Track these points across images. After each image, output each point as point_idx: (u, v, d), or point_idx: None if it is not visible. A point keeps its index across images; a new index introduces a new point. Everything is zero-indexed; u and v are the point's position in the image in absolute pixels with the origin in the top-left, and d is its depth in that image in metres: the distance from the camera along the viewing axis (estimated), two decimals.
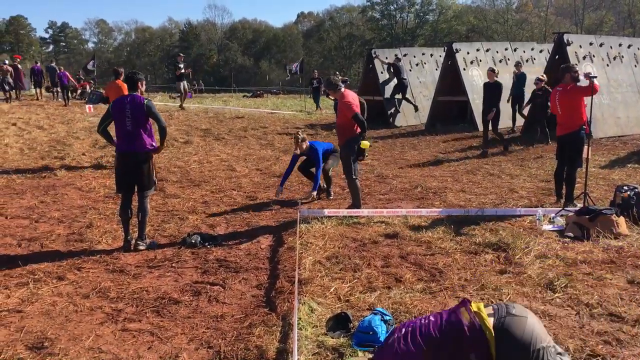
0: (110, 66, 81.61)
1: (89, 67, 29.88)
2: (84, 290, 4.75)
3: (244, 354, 3.57)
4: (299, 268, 4.96)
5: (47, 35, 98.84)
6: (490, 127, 11.94)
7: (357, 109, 7.04)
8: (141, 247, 5.92)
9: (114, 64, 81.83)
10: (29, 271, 5.19)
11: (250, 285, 4.89)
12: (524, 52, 17.86)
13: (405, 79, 17.43)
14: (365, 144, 7.13)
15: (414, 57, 19.46)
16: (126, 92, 11.66)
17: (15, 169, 10.67)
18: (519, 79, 14.53)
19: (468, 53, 16.63)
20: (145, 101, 5.89)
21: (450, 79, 16.47)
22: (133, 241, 6.00)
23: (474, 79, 15.99)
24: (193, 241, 6.08)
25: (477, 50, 17.05)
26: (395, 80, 17.57)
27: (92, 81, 28.26)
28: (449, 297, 4.48)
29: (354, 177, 7.24)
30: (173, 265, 5.43)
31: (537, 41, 34.71)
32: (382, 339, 3.57)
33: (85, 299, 4.55)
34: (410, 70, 18.74)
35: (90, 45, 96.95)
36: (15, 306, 4.37)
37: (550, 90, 11.10)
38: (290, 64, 31.19)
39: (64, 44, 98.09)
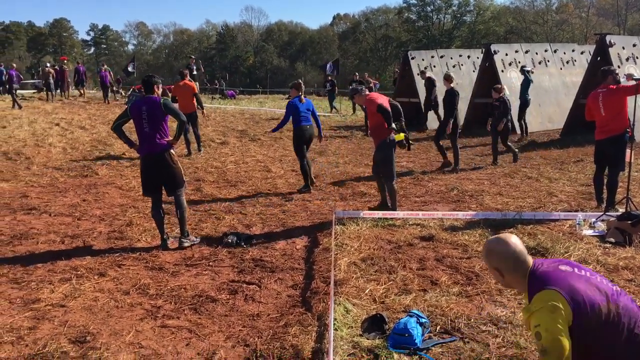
0: (149, 68, 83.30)
1: (129, 68, 30.54)
2: (124, 287, 4.86)
3: (280, 353, 3.61)
4: (334, 269, 4.98)
5: (88, 38, 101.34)
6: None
7: (383, 102, 7.12)
8: (185, 244, 6.03)
9: (152, 66, 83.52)
10: (72, 267, 5.35)
11: (285, 285, 4.93)
12: (564, 53, 17.52)
13: (433, 98, 17.11)
14: (399, 135, 7.18)
15: (451, 58, 19.27)
16: (195, 90, 12.60)
17: (58, 167, 10.98)
18: (523, 85, 14.04)
19: (506, 54, 16.39)
20: (162, 100, 5.98)
21: (488, 80, 16.26)
22: (169, 239, 6.12)
23: (512, 81, 15.75)
24: (230, 240, 6.16)
25: (516, 51, 16.79)
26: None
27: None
28: (485, 301, 4.43)
29: (393, 181, 7.27)
30: (210, 264, 5.52)
31: (577, 42, 33.98)
32: (417, 341, 3.57)
33: (125, 295, 4.66)
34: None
35: (130, 47, 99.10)
36: (59, 301, 4.51)
37: (506, 102, 10.74)
38: (326, 64, 31.10)
39: (104, 46, 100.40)
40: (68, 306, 4.40)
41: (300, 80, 9.63)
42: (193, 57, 23.74)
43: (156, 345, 3.75)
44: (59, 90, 25.76)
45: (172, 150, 6.07)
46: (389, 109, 7.14)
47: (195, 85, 13.20)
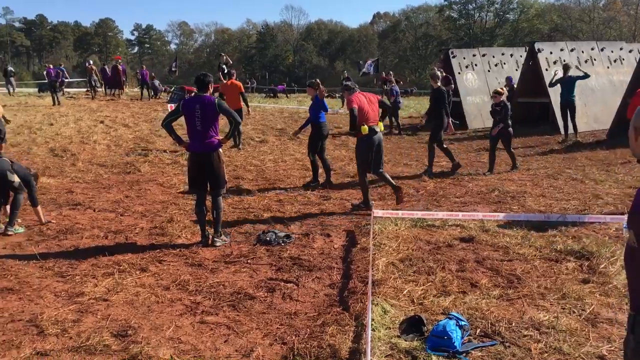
0: (190, 67, 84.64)
1: (173, 68, 31.10)
2: (164, 282, 4.94)
3: (317, 352, 3.60)
4: (372, 269, 4.95)
5: (132, 37, 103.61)
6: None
7: (355, 105, 7.42)
8: (218, 244, 6.09)
9: (194, 65, 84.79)
10: (114, 262, 5.46)
11: (323, 284, 4.93)
12: (612, 52, 17.03)
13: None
14: (364, 128, 7.48)
15: (493, 57, 18.97)
16: (242, 89, 13.08)
17: (102, 164, 11.25)
18: (567, 84, 13.38)
19: (551, 53, 16.03)
20: (216, 100, 6.05)
21: (531, 79, 15.94)
22: (210, 237, 6.20)
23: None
24: (268, 238, 6.19)
25: (561, 50, 16.40)
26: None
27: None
28: (527, 304, 4.34)
29: (361, 176, 7.78)
30: (248, 261, 5.56)
31: (625, 40, 32.97)
32: (457, 344, 3.51)
33: (166, 291, 4.73)
34: (489, 71, 18.29)
35: (173, 46, 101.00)
36: (102, 295, 4.61)
37: (507, 106, 10.01)
38: (363, 62, 30.94)
39: (148, 45, 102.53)
40: (111, 300, 4.50)
41: (318, 80, 9.96)
42: (223, 54, 24.06)
43: (195, 341, 3.79)
44: (108, 88, 26.56)
45: (220, 149, 6.15)
46: (364, 110, 7.46)
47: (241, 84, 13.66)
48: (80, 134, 14.81)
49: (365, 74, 30.11)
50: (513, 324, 3.95)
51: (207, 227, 6.25)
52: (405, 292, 4.60)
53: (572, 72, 13.36)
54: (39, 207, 6.88)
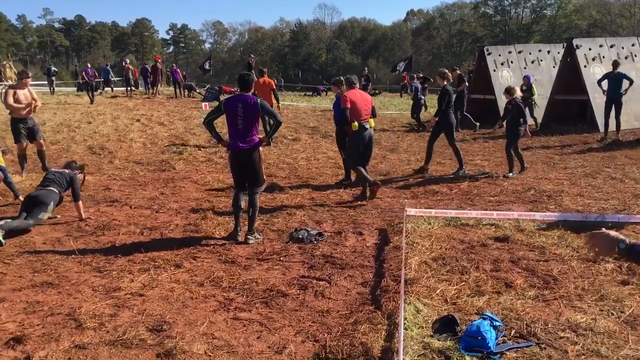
0: (224, 66, 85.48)
1: (206, 66, 31.47)
2: (198, 279, 5.00)
3: (349, 350, 3.60)
4: (404, 267, 4.92)
5: (168, 37, 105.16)
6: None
7: (348, 105, 7.85)
8: (251, 241, 6.14)
9: (228, 64, 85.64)
10: (150, 258, 5.56)
11: (355, 282, 4.92)
12: None
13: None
14: (354, 125, 7.91)
15: (530, 54, 18.62)
16: (274, 86, 13.36)
17: (138, 162, 11.45)
18: (615, 79, 13.03)
19: (590, 49, 15.66)
20: (258, 99, 6.11)
21: (569, 76, 15.59)
22: (241, 233, 6.25)
23: (596, 77, 15.01)
24: (300, 236, 6.21)
25: (600, 46, 16.00)
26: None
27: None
28: (564, 306, 4.25)
29: (351, 165, 8.35)
30: (281, 259, 5.59)
31: None
32: (491, 345, 3.47)
33: (200, 287, 4.79)
34: (525, 68, 17.97)
35: (207, 45, 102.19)
36: (137, 290, 4.69)
37: (520, 105, 9.55)
38: (399, 61, 30.87)
39: (183, 44, 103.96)
40: (146, 295, 4.58)
41: (342, 78, 9.80)
42: (252, 55, 24.43)
43: (228, 337, 3.83)
44: (150, 87, 27.18)
45: (260, 148, 6.20)
46: (357, 107, 7.88)
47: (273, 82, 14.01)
48: (117, 132, 15.10)
49: (400, 73, 30.02)
50: (549, 326, 3.88)
51: (240, 224, 6.32)
52: (438, 291, 4.56)
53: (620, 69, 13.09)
54: (80, 203, 7.05)
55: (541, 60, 18.61)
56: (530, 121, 12.70)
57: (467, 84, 16.95)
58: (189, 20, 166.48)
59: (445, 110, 9.81)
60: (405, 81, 31.78)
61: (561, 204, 7.62)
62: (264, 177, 6.43)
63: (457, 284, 4.73)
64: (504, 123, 10.00)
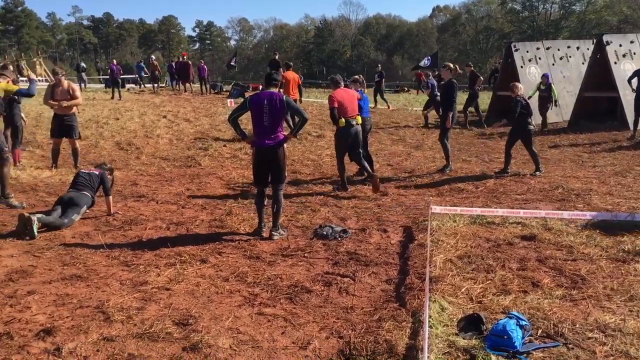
0: (249, 62, 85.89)
1: (232, 63, 31.67)
2: (224, 274, 5.04)
3: (374, 347, 3.60)
4: (429, 265, 4.89)
5: (194, 34, 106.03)
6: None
7: (335, 105, 8.22)
8: (275, 237, 6.17)
9: (253, 61, 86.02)
10: (176, 253, 5.62)
11: (379, 280, 4.91)
12: None
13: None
14: (341, 121, 8.28)
15: (558, 50, 18.34)
16: (299, 82, 13.54)
17: (165, 158, 11.58)
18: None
19: (620, 45, 15.36)
20: (284, 97, 6.12)
21: (599, 73, 15.32)
22: (266, 229, 6.28)
23: (627, 74, 14.72)
24: (324, 233, 6.22)
25: (631, 42, 15.68)
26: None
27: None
28: (592, 306, 4.18)
29: (338, 162, 8.78)
30: (305, 255, 5.60)
31: None
32: (517, 344, 3.43)
33: (225, 282, 4.83)
34: (553, 65, 17.71)
35: (232, 42, 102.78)
36: (164, 284, 4.75)
37: (524, 101, 9.37)
38: (424, 58, 30.73)
39: (208, 41, 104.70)
40: (172, 290, 4.63)
41: (360, 76, 10.40)
42: (276, 53, 24.62)
43: (253, 332, 3.86)
44: (179, 83, 27.56)
45: (285, 145, 6.23)
46: (344, 105, 8.28)
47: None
48: (144, 128, 15.28)
49: (418, 67, 29.88)
50: (577, 326, 3.83)
51: (264, 220, 6.35)
52: (463, 289, 4.53)
53: None
54: (110, 198, 7.17)
55: (570, 57, 18.32)
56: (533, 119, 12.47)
57: (481, 78, 16.81)
58: (215, 17, 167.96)
59: (450, 104, 9.67)
60: (422, 78, 31.60)
61: (590, 202, 7.50)
62: (286, 173, 6.44)
63: (482, 283, 4.69)
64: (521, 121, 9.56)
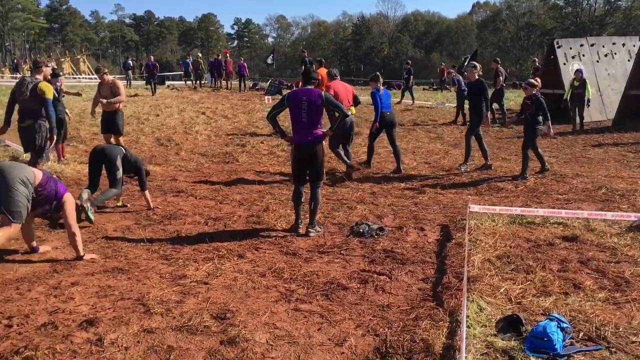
0: (287, 59, 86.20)
1: (269, 60, 31.91)
2: (260, 269, 5.08)
3: (410, 346, 3.58)
4: (467, 265, 4.83)
5: (232, 31, 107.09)
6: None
7: (332, 92, 8.79)
8: (312, 234, 6.18)
9: (290, 58, 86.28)
10: (214, 248, 5.69)
11: (416, 278, 4.88)
12: None
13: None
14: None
15: (603, 47, 17.85)
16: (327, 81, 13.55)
17: (203, 154, 11.74)
18: None
19: None
20: (322, 93, 6.12)
21: None
22: (302, 226, 6.31)
23: None
24: (361, 230, 6.21)
25: None
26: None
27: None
28: (636, 309, 4.07)
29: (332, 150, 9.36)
30: (341, 252, 5.60)
31: None
32: (558, 347, 3.36)
33: (262, 277, 4.87)
34: (597, 62, 17.25)
35: (270, 39, 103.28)
36: (202, 278, 4.82)
37: (540, 100, 8.84)
38: (464, 55, 30.33)
39: (247, 39, 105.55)
40: (210, 284, 4.69)
41: (378, 73, 10.53)
42: (305, 50, 24.71)
43: (289, 327, 3.88)
44: (210, 80, 28.05)
45: (323, 142, 6.23)
46: (339, 97, 8.96)
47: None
48: (184, 124, 15.51)
49: (462, 67, 29.53)
50: (620, 329, 3.73)
51: (301, 217, 6.38)
52: (502, 290, 4.46)
53: None
54: (146, 192, 7.29)
55: (615, 54, 17.81)
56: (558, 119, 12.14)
57: (501, 78, 16.45)
58: (253, 15, 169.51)
59: (479, 103, 9.56)
60: (445, 75, 31.28)
61: (635, 203, 7.28)
62: (324, 171, 6.45)
63: (522, 283, 4.61)
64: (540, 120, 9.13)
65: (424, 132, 15.10)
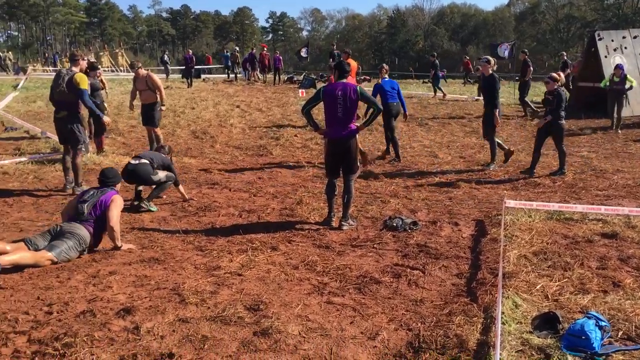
0: (320, 53, 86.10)
1: (302, 54, 31.93)
2: (293, 262, 5.11)
3: (443, 341, 3.54)
4: (502, 260, 4.76)
5: (267, 25, 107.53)
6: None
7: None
8: (345, 227, 6.18)
9: (324, 51, 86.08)
10: (248, 239, 5.74)
11: (450, 273, 4.83)
12: None
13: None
14: None
15: None
16: (357, 70, 13.51)
17: (237, 146, 11.83)
18: None
19: None
20: (358, 87, 6.09)
21: None
22: (335, 219, 6.30)
23: None
24: (394, 224, 6.18)
25: None
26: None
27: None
28: None
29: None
30: (375, 246, 5.58)
31: None
32: (596, 345, 3.29)
33: (294, 270, 4.89)
34: None
35: (304, 33, 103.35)
36: (236, 270, 4.86)
37: (561, 95, 8.48)
38: (501, 46, 29.75)
39: (281, 32, 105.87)
40: (244, 275, 4.73)
41: (384, 64, 10.98)
42: (334, 44, 24.72)
43: (322, 320, 3.88)
44: (244, 74, 28.34)
45: (357, 136, 6.21)
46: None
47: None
48: (219, 117, 15.66)
49: (500, 58, 28.92)
50: None
51: (334, 210, 6.38)
52: (538, 286, 4.38)
53: None
54: (180, 186, 7.41)
55: None
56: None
57: (531, 69, 16.08)
58: (288, 8, 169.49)
59: (494, 99, 9.21)
60: (469, 67, 30.77)
61: None
62: (359, 164, 6.43)
63: (559, 280, 4.52)
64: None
65: (458, 126, 14.92)
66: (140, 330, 3.62)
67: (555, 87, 8.63)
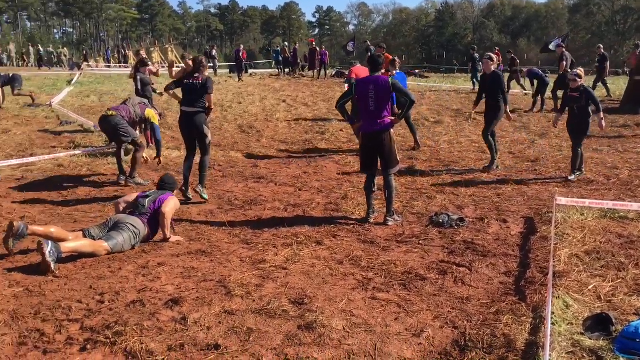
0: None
1: (349, 48, 31.85)
2: (338, 257, 5.10)
3: (490, 340, 3.48)
4: (553, 259, 4.63)
5: (314, 20, 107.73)
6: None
7: (352, 76, 9.66)
8: (390, 223, 6.13)
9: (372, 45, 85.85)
10: (293, 234, 5.77)
11: (498, 271, 4.74)
12: None
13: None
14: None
15: None
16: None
17: (283, 141, 11.90)
18: None
19: None
20: (390, 79, 6.03)
21: None
22: (376, 215, 6.26)
23: None
24: (440, 220, 6.10)
25: None
26: None
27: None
28: None
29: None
30: (420, 242, 5.52)
31: None
32: None
33: (339, 265, 4.89)
34: None
35: (351, 27, 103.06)
36: (281, 263, 4.90)
37: (590, 91, 7.98)
38: (552, 39, 28.93)
39: (327, 27, 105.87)
40: (289, 269, 4.76)
41: (396, 57, 11.08)
42: (367, 41, 24.61)
43: (366, 316, 3.87)
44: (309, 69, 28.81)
45: (392, 130, 6.16)
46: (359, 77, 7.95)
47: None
48: (265, 112, 15.78)
49: (546, 50, 28.15)
50: None
51: (373, 205, 6.33)
52: (590, 287, 4.25)
53: None
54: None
55: None
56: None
57: (564, 63, 15.45)
58: (335, 3, 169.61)
59: (497, 97, 8.77)
60: (515, 62, 29.85)
61: None
62: (398, 158, 6.35)
63: (612, 281, 4.37)
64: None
65: (508, 122, 14.55)
66: (188, 321, 3.69)
67: (580, 83, 8.10)
